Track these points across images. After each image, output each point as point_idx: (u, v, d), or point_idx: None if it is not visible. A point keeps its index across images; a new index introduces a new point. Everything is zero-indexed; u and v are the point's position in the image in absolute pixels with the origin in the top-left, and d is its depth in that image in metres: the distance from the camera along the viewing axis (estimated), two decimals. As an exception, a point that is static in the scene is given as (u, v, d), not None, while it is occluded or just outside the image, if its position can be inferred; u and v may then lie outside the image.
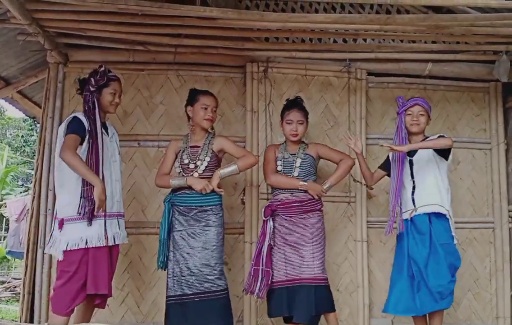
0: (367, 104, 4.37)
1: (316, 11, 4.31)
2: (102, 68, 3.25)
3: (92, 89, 3.21)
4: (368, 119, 4.38)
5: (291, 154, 3.67)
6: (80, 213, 3.06)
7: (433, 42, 4.14)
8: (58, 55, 4.06)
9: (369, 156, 4.30)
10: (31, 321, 3.97)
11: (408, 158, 3.59)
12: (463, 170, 4.50)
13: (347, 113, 4.33)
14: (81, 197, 3.07)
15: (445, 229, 3.48)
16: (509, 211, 4.45)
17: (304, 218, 3.55)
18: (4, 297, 8.52)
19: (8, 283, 9.14)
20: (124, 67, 4.22)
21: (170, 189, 3.57)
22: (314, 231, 3.53)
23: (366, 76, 4.37)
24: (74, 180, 3.09)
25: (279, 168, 3.65)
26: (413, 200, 3.53)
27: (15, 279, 9.19)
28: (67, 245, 3.06)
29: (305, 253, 3.47)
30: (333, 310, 3.46)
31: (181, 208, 3.47)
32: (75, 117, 3.18)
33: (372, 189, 4.24)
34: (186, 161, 3.50)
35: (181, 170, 3.52)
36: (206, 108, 3.53)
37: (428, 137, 3.62)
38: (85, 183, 3.07)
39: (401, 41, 4.22)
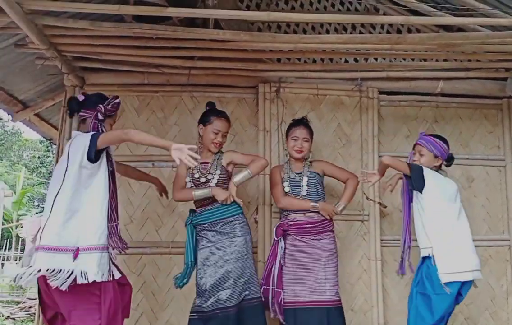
0: (379, 123, 4.39)
1: (327, 32, 4.36)
2: (118, 100, 3.16)
3: (100, 117, 3.06)
4: (380, 137, 4.38)
5: (297, 173, 3.66)
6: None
7: (444, 60, 4.15)
8: (74, 79, 4.15)
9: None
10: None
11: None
12: (477, 187, 4.47)
13: (359, 132, 4.34)
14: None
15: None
16: (525, 229, 4.40)
17: (316, 239, 3.53)
18: (19, 317, 8.57)
19: (23, 303, 9.19)
20: (139, 89, 4.31)
21: (189, 209, 3.58)
22: (326, 253, 3.51)
23: (377, 94, 4.39)
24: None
25: (287, 189, 3.63)
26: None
27: (30, 299, 9.24)
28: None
29: (316, 274, 3.45)
30: None
31: (205, 225, 3.45)
32: (94, 133, 3.00)
33: (385, 207, 4.24)
34: (196, 175, 3.51)
35: (192, 185, 3.52)
36: (217, 133, 3.54)
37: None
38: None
39: (412, 59, 4.24)
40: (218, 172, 3.51)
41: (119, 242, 3.00)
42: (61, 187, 2.84)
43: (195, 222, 3.49)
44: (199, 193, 3.45)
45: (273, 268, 3.51)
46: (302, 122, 3.73)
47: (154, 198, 4.21)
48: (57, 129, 4.81)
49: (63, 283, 2.69)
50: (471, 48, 3.71)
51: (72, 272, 2.73)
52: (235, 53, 3.90)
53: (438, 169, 3.55)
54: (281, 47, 3.78)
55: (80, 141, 2.93)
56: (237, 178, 3.46)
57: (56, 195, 2.83)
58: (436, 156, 3.49)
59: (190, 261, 3.42)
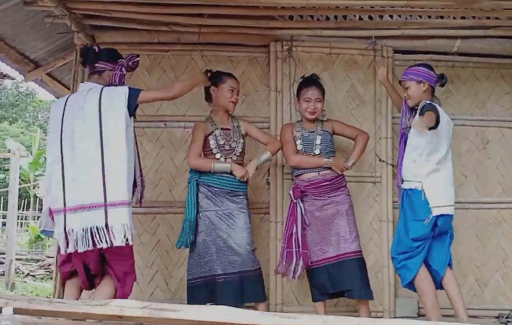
0: (394, 83, 4.29)
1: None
2: (139, 58, 3.17)
3: (124, 71, 3.07)
4: (395, 98, 4.30)
5: (310, 132, 3.62)
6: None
7: (462, 17, 4.03)
8: (85, 37, 4.12)
9: (395, 135, 4.23)
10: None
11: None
12: (492, 149, 4.41)
13: (373, 92, 4.27)
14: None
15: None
16: (539, 191, 4.34)
17: (333, 195, 3.54)
18: (39, 274, 8.81)
19: (42, 261, 9.42)
20: (150, 48, 4.27)
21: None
22: (346, 206, 3.53)
23: (392, 54, 4.29)
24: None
25: (299, 147, 3.60)
26: None
27: (48, 257, 9.46)
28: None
29: (341, 229, 3.47)
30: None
31: (215, 189, 3.44)
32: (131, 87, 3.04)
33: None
34: (221, 142, 3.48)
35: (218, 151, 3.48)
36: (233, 91, 3.53)
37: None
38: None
39: (429, 17, 4.12)
40: (242, 140, 3.55)
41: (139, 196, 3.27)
42: (102, 145, 2.80)
43: (202, 181, 3.46)
44: (219, 166, 3.44)
45: (294, 230, 3.49)
46: (314, 82, 3.65)
47: (167, 159, 4.24)
48: (69, 89, 4.81)
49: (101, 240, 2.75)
50: (490, 5, 3.58)
51: (106, 226, 2.77)
52: (246, 10, 3.83)
53: (432, 96, 3.41)
54: (293, 3, 3.70)
55: (115, 93, 2.91)
56: (260, 159, 3.52)
57: (102, 155, 2.80)
58: (419, 82, 3.34)
59: (192, 217, 3.41)
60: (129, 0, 3.69)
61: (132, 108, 2.91)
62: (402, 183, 3.44)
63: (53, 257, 7.22)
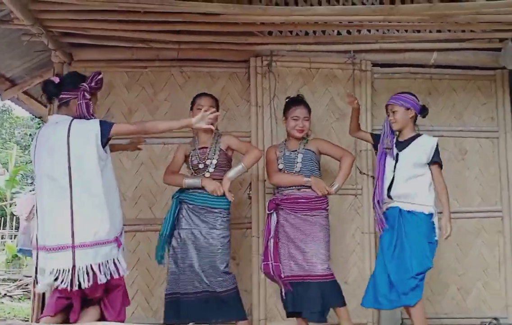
0: (373, 96, 4.35)
1: (319, 3, 4.29)
2: (101, 76, 2.95)
3: (87, 96, 2.84)
4: (374, 111, 4.34)
5: (292, 151, 3.63)
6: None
7: (438, 31, 4.10)
8: (62, 55, 4.07)
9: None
10: (42, 319, 4.02)
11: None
12: (471, 159, 4.47)
13: (353, 106, 4.30)
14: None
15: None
16: (517, 200, 4.42)
17: (308, 215, 3.50)
18: (16, 294, 8.61)
19: (19, 281, 9.22)
20: (128, 65, 4.24)
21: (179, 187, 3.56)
22: (318, 228, 3.49)
23: (371, 67, 4.34)
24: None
25: (281, 166, 3.61)
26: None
27: (26, 276, 9.27)
28: None
29: (308, 250, 3.44)
30: (343, 304, 3.44)
31: (190, 205, 3.46)
32: (102, 120, 2.89)
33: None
34: (195, 162, 3.49)
35: (192, 171, 3.52)
36: (200, 109, 3.46)
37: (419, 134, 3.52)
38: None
39: (406, 31, 4.18)
40: (216, 157, 3.51)
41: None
42: (70, 184, 2.70)
43: (182, 198, 3.48)
44: (190, 181, 3.46)
45: (268, 243, 3.52)
46: (302, 100, 3.66)
47: (147, 175, 4.19)
48: (46, 106, 4.74)
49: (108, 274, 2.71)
50: (465, 19, 3.65)
51: (119, 261, 2.74)
52: (225, 27, 3.82)
53: (414, 124, 3.52)
54: (272, 19, 3.71)
55: (85, 130, 2.77)
56: (231, 173, 3.46)
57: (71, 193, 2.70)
58: (407, 109, 3.44)
59: (164, 233, 3.44)
60: (107, 18, 3.65)
61: (104, 143, 2.79)
62: (388, 199, 3.48)
63: (30, 277, 7.06)
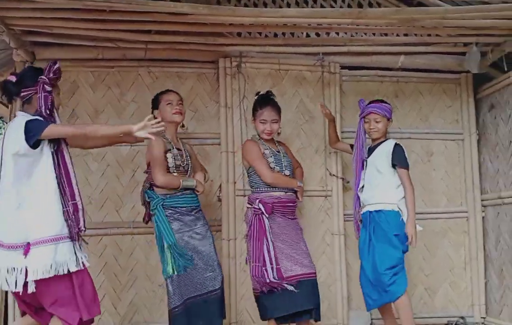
0: (341, 98, 4.38)
1: (289, 5, 4.28)
2: (58, 65, 2.84)
3: (48, 88, 2.77)
4: (343, 113, 4.38)
5: (277, 151, 3.60)
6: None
7: (405, 35, 4.15)
8: (24, 54, 3.92)
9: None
10: (5, 314, 3.89)
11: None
12: (436, 160, 4.55)
13: (322, 107, 4.31)
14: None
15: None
16: (482, 200, 4.52)
17: (292, 218, 3.54)
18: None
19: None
20: (93, 64, 4.12)
21: (153, 192, 3.42)
22: (300, 232, 3.55)
23: (339, 69, 4.36)
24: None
25: (272, 165, 3.51)
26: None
27: None
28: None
29: (299, 251, 3.44)
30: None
31: (183, 209, 3.36)
32: (35, 118, 2.72)
33: (348, 182, 4.26)
34: (178, 162, 3.41)
35: (175, 171, 3.39)
36: (171, 103, 3.46)
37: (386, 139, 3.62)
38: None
39: (373, 34, 4.22)
40: (191, 162, 3.53)
41: (74, 226, 2.77)
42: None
43: (168, 204, 3.33)
44: (187, 183, 3.38)
45: (265, 247, 3.35)
46: (269, 102, 3.58)
47: (113, 178, 4.09)
48: (7, 106, 4.56)
49: (17, 282, 2.58)
50: (431, 23, 3.71)
51: (26, 270, 2.59)
52: (194, 27, 3.76)
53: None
54: (241, 20, 3.66)
55: (16, 127, 2.69)
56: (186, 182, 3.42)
57: None
58: (388, 119, 3.59)
59: (173, 242, 3.25)
60: (72, 16, 3.53)
61: (31, 140, 2.64)
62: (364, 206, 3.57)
63: None
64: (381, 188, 3.49)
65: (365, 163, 3.60)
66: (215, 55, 4.18)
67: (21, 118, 2.73)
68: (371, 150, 3.62)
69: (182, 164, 3.43)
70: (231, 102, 4.18)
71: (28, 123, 2.66)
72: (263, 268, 3.32)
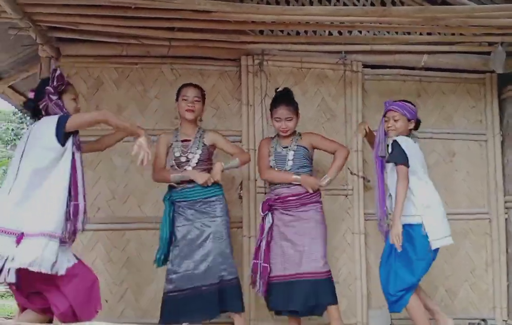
0: (363, 97, 4.35)
1: (311, 3, 4.27)
2: (58, 72, 2.98)
3: (53, 97, 2.91)
4: (364, 112, 4.35)
5: (284, 148, 3.61)
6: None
7: (428, 33, 4.12)
8: (49, 49, 3.99)
9: (365, 149, 4.29)
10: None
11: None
12: (459, 161, 4.50)
13: (343, 106, 4.31)
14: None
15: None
16: (505, 202, 4.47)
17: (301, 211, 3.50)
18: (-1, 292, 8.46)
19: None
20: (117, 61, 4.17)
21: (168, 185, 3.54)
22: (312, 224, 3.49)
23: (361, 68, 4.34)
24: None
25: (271, 163, 3.59)
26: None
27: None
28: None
29: (303, 247, 3.44)
30: (334, 302, 3.43)
31: (184, 203, 3.42)
32: (63, 115, 2.89)
33: (368, 181, 4.24)
34: (177, 154, 3.47)
35: (174, 164, 3.48)
36: (186, 99, 3.50)
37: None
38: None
39: (396, 33, 4.19)
40: (199, 151, 3.48)
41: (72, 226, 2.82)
42: (18, 168, 2.75)
43: (174, 198, 3.46)
44: (177, 177, 3.42)
45: (261, 244, 3.52)
46: (284, 100, 3.58)
47: (137, 173, 4.13)
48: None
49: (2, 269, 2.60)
50: (456, 22, 3.67)
51: (13, 258, 2.62)
52: (217, 24, 3.78)
53: (409, 133, 3.52)
54: (264, 18, 3.68)
55: (45, 123, 2.85)
56: (227, 165, 3.47)
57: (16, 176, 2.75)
58: (409, 120, 3.48)
59: (165, 237, 3.42)
60: (96, 12, 3.58)
61: (60, 134, 2.78)
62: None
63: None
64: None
65: (384, 165, 3.48)
66: (238, 53, 4.19)
67: (48, 117, 2.89)
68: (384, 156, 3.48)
69: (183, 154, 3.46)
70: (253, 100, 4.19)
71: (60, 118, 2.81)
72: (253, 261, 3.55)
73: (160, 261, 3.46)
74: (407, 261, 3.31)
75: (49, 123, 2.83)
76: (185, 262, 3.37)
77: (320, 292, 3.38)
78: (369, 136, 3.73)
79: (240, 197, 4.12)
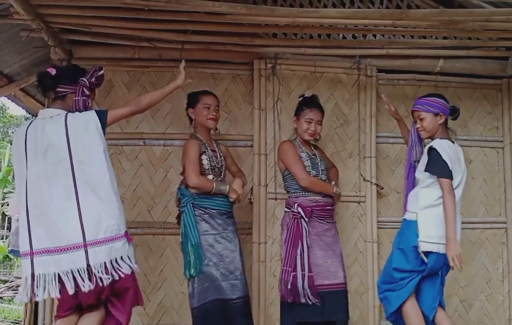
0: (377, 102, 4.28)
1: (325, 6, 4.22)
2: (102, 72, 2.83)
3: (86, 92, 2.76)
4: (378, 118, 4.28)
5: (313, 155, 3.57)
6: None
7: (444, 37, 4.04)
8: (62, 52, 3.97)
9: (379, 155, 4.22)
10: (35, 323, 3.90)
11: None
12: (475, 168, 4.41)
13: (357, 111, 4.23)
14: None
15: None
16: (522, 211, 4.35)
17: (330, 222, 3.49)
18: (7, 296, 8.46)
19: (10, 282, 9.08)
20: (129, 64, 4.14)
21: (185, 187, 3.41)
22: (336, 236, 3.51)
23: (376, 73, 4.27)
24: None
25: (308, 169, 3.46)
26: None
27: (17, 278, 9.13)
28: None
29: (333, 257, 3.40)
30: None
31: (213, 211, 3.33)
32: (100, 110, 2.80)
33: (382, 188, 4.16)
34: (213, 164, 3.41)
35: (210, 172, 3.39)
36: (209, 108, 3.46)
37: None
38: None
39: (412, 37, 4.12)
40: (224, 163, 3.53)
41: None
42: (75, 179, 2.59)
43: (202, 204, 3.31)
44: (219, 187, 3.34)
45: (298, 252, 3.31)
46: (318, 105, 3.58)
47: (146, 177, 4.09)
48: (43, 105, 4.63)
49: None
50: (473, 26, 3.58)
51: (129, 258, 2.66)
52: (231, 27, 3.73)
53: (446, 128, 3.30)
54: (279, 21, 3.62)
55: (84, 122, 2.66)
56: (218, 188, 3.35)
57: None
58: (436, 114, 3.21)
59: (196, 243, 3.23)
60: (109, 15, 3.55)
61: (104, 132, 2.70)
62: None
63: (20, 278, 6.93)
64: (414, 194, 3.27)
65: (415, 168, 3.36)
66: (250, 56, 4.14)
67: (77, 115, 2.70)
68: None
69: (217, 164, 3.43)
70: (265, 105, 4.13)
71: (100, 114, 2.70)
72: (293, 273, 3.29)
73: (197, 270, 3.22)
74: (392, 251, 3.30)
75: (88, 121, 2.66)
76: (219, 272, 3.26)
77: (345, 302, 3.38)
78: (401, 127, 3.69)
79: (251, 202, 4.05)
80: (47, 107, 2.89)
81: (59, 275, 2.53)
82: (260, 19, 3.52)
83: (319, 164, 3.53)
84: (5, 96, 5.18)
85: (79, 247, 2.54)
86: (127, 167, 4.09)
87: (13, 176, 16.24)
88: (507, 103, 4.43)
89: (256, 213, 4.03)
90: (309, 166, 3.48)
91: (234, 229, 3.43)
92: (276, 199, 4.01)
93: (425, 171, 3.16)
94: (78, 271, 2.52)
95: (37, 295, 2.53)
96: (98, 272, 2.54)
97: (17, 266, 10.11)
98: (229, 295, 3.24)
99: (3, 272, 10.23)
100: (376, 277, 4.08)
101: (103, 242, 2.58)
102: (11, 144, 18.08)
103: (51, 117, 2.69)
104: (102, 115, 2.70)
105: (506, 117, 4.43)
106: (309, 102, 3.58)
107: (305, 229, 3.33)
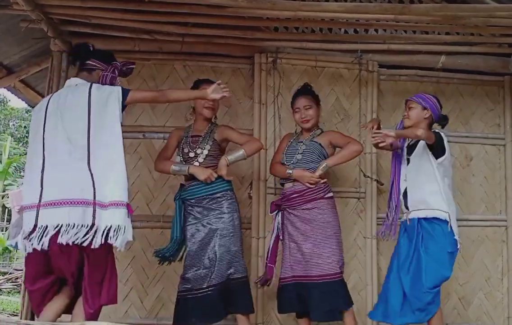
0: (379, 97, 4.26)
1: (326, 0, 4.18)
2: (133, 67, 3.10)
3: (116, 73, 2.97)
4: (380, 113, 4.25)
5: (299, 142, 3.54)
6: None
7: (447, 33, 4.02)
8: (61, 43, 3.95)
9: (380, 152, 4.19)
10: (32, 314, 3.89)
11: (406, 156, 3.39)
12: (476, 165, 4.40)
13: (358, 106, 4.21)
14: None
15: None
16: (523, 209, 4.34)
17: (306, 208, 3.36)
18: (6, 288, 8.47)
19: (9, 274, 9.09)
20: (130, 56, 4.05)
21: (179, 184, 3.49)
22: (320, 224, 3.34)
23: (377, 68, 4.25)
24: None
25: (282, 159, 3.54)
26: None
27: (16, 270, 9.14)
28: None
29: (309, 249, 3.32)
30: (345, 307, 3.32)
31: (192, 201, 3.35)
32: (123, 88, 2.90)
33: (382, 184, 4.14)
34: (185, 150, 3.41)
35: (182, 159, 3.42)
36: None
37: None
38: None
39: (414, 32, 4.09)
40: (208, 146, 3.39)
41: None
42: (89, 141, 2.64)
43: (183, 197, 3.39)
44: (176, 168, 3.36)
45: (270, 244, 3.51)
46: (301, 91, 3.59)
47: (145, 171, 4.07)
48: (43, 96, 4.61)
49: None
50: (476, 21, 3.55)
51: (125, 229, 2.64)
52: (231, 20, 3.71)
53: (430, 127, 3.31)
54: (280, 14, 3.60)
55: (107, 92, 2.75)
56: (231, 156, 3.33)
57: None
58: (424, 108, 3.27)
59: (175, 237, 3.33)
60: (110, 6, 3.53)
61: (123, 108, 2.78)
62: (406, 210, 3.33)
63: (21, 270, 6.93)
64: (428, 190, 3.22)
65: (406, 161, 3.35)
66: (251, 50, 4.12)
67: (102, 87, 2.80)
68: (412, 147, 3.34)
69: (191, 150, 3.39)
70: (265, 99, 4.11)
71: (123, 90, 2.79)
72: (269, 265, 3.50)
73: (163, 255, 3.36)
74: (438, 254, 3.17)
75: (111, 93, 2.75)
76: (194, 262, 3.28)
77: (332, 295, 3.27)
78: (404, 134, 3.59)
79: (250, 197, 4.04)
80: (72, 77, 2.98)
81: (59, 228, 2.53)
82: (261, 12, 3.50)
83: (297, 152, 3.47)
84: (4, 88, 5.17)
85: (89, 203, 2.57)
86: (126, 160, 4.03)
87: (14, 169, 16.26)
88: (509, 100, 4.41)
89: (255, 207, 4.02)
90: (284, 154, 3.54)
91: (220, 212, 3.30)
92: (275, 194, 3.99)
93: (430, 149, 3.18)
94: (83, 226, 2.54)
95: (31, 245, 2.54)
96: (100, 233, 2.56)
97: (16, 259, 10.13)
98: (205, 283, 3.22)
99: (3, 264, 10.24)
100: (375, 274, 4.07)
101: (109, 205, 2.61)
102: (12, 136, 18.13)
103: (76, 85, 2.82)
104: (124, 92, 2.81)
105: (508, 115, 4.41)
106: (295, 93, 3.62)
107: (277, 223, 3.50)
